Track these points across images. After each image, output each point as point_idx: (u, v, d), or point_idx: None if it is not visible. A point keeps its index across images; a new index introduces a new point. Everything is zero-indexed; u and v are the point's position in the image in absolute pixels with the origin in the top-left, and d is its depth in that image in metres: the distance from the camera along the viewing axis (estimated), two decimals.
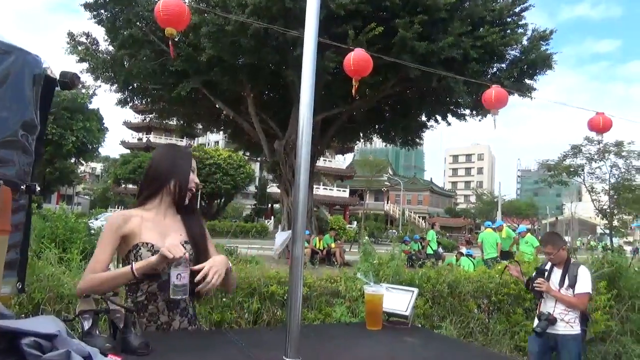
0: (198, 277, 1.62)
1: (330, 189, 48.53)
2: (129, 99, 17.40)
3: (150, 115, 25.33)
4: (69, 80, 1.50)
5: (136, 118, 54.39)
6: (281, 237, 16.27)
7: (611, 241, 30.11)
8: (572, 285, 3.70)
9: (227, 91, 15.34)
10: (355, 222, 42.21)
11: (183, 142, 51.15)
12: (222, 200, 39.74)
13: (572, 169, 28.06)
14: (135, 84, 16.25)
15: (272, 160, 17.08)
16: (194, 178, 1.85)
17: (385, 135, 19.76)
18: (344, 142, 22.39)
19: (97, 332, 1.47)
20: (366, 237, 5.12)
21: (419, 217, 60.26)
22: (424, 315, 4.51)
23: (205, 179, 35.27)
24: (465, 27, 12.41)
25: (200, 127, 22.50)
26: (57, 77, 1.46)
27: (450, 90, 13.58)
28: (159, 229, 1.77)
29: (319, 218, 19.39)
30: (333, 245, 15.24)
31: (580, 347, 3.76)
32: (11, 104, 1.30)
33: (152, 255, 1.67)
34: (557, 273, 3.84)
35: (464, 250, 13.24)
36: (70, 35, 14.93)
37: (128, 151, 52.72)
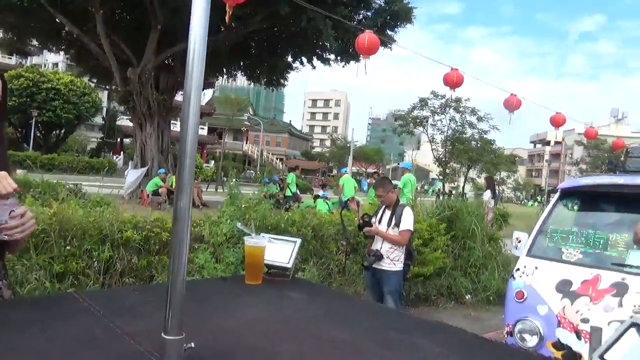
0: None
1: None
2: None
3: None
4: None
5: None
6: (133, 175, 15.13)
7: (443, 186, 34.26)
8: (397, 224, 4.15)
9: (70, 4, 13.14)
10: (213, 162, 41.20)
11: (12, 61, 43.72)
12: (62, 131, 35.37)
13: (418, 120, 30.74)
14: None
15: (125, 90, 15.41)
16: None
17: (250, 73, 19.16)
18: (205, 76, 20.93)
19: None
20: (234, 180, 4.89)
21: (277, 158, 61.29)
22: None
23: (40, 105, 30.82)
24: None
25: (36, 43, 19.18)
26: None
27: (318, 33, 13.51)
28: None
29: (175, 156, 18.36)
30: None
31: (400, 281, 4.27)
32: None
33: None
34: (387, 214, 4.27)
35: (320, 192, 13.77)
36: None
37: None
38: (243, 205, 4.38)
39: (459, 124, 30.82)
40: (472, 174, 39.31)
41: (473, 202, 8.42)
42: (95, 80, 23.13)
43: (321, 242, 5.18)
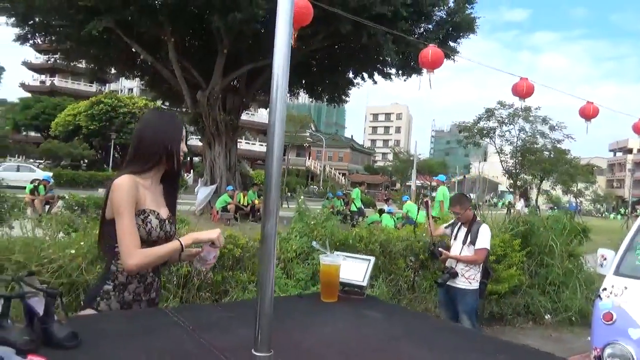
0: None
1: (252, 144, 47.76)
2: (29, 36, 15.38)
3: (55, 56, 22.67)
4: None
5: (38, 58, 49.14)
6: (203, 192, 15.76)
7: (514, 199, 32.78)
8: (473, 242, 4.00)
9: (144, 34, 14.07)
10: None
11: (92, 88, 47.34)
12: None
13: (485, 131, 29.78)
14: (37, 19, 14.37)
15: (194, 112, 16.20)
16: (183, 147, 1.85)
17: (312, 91, 19.50)
18: (269, 95, 21.65)
19: (8, 322, 1.18)
20: (302, 197, 4.97)
21: (340, 173, 61.48)
22: None
23: (118, 128, 33.07)
24: None
25: (114, 72, 20.69)
26: None
27: (379, 48, 13.54)
28: (154, 197, 1.79)
29: (242, 173, 18.95)
30: (257, 201, 15.00)
31: (476, 301, 4.11)
32: None
33: (158, 222, 1.73)
34: (463, 231, 4.15)
35: (385, 207, 13.65)
36: None
37: (29, 95, 47.78)
38: (312, 222, 4.44)
39: (529, 134, 29.52)
40: (546, 185, 37.34)
41: (550, 216, 7.97)
42: (167, 104, 24.51)
43: (389, 258, 5.12)
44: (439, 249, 4.09)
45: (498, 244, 5.85)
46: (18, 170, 23.33)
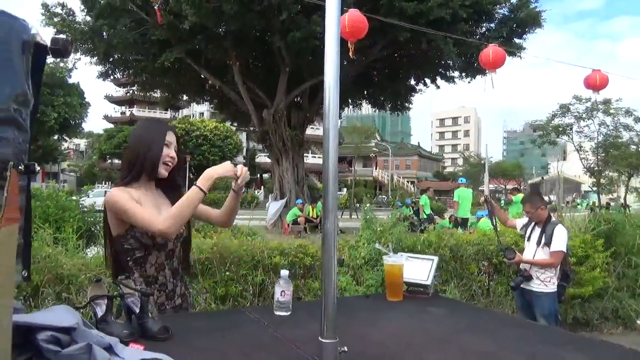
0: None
1: (319, 157, 48.35)
2: (110, 72, 16.87)
3: (132, 88, 24.62)
4: (61, 47, 1.33)
5: (118, 91, 53.20)
6: (274, 207, 16.21)
7: (599, 198, 30.59)
8: (547, 244, 3.83)
9: (211, 60, 14.92)
10: (345, 189, 42.28)
11: (167, 115, 50.38)
12: None
13: (560, 129, 28.12)
14: (116, 56, 15.72)
15: (262, 130, 16.82)
16: (169, 152, 1.81)
17: (374, 101, 19.56)
18: None
19: (111, 318, 1.38)
20: (367, 205, 5.05)
21: (408, 181, 60.58)
22: None
23: (192, 151, 34.89)
24: None
25: (185, 98, 22.02)
26: (48, 44, 1.29)
27: (439, 52, 13.38)
28: (153, 202, 1.79)
29: (310, 186, 19.30)
30: None
31: (554, 304, 3.91)
32: (0, 75, 1.14)
33: None
34: (536, 232, 3.98)
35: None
36: (45, 6, 14.29)
37: (112, 125, 51.82)
38: (379, 229, 4.50)
39: (611, 128, 27.48)
40: (635, 182, 34.47)
41: (638, 213, 7.43)
42: (235, 124, 25.58)
43: (460, 263, 5.04)
44: (511, 250, 3.96)
45: (579, 244, 5.56)
46: (105, 195, 25.13)
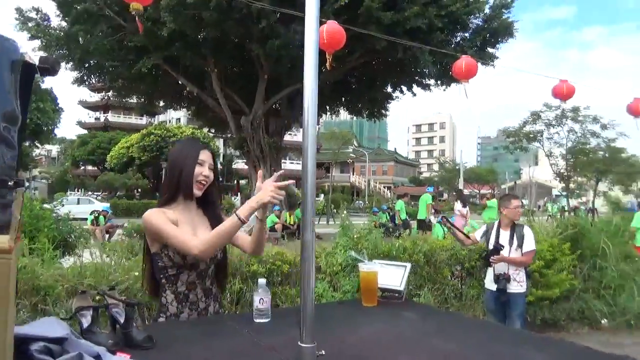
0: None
1: (297, 163, 48.42)
2: (85, 78, 16.61)
3: (107, 94, 24.29)
4: (50, 66, 1.40)
5: (92, 97, 52.30)
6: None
7: (568, 203, 31.48)
8: (520, 245, 4.05)
9: (190, 67, 14.87)
10: (322, 195, 42.43)
11: (143, 121, 49.73)
12: None
13: (531, 135, 28.90)
14: (92, 62, 15.52)
15: (239, 136, 16.80)
16: (202, 171, 1.84)
17: (352, 108, 19.74)
18: None
19: (97, 329, 1.43)
20: (345, 212, 5.15)
21: (384, 187, 61.12)
22: None
23: (168, 157, 34.52)
24: None
25: (162, 104, 21.83)
26: (36, 63, 1.36)
27: (416, 61, 13.63)
28: (189, 222, 1.82)
29: (287, 193, 19.31)
30: None
31: (525, 303, 4.19)
32: None
33: None
34: (504, 234, 4.17)
35: (432, 218, 13.55)
36: (19, 10, 14.02)
37: (85, 131, 50.89)
38: (355, 236, 4.60)
39: (579, 134, 28.38)
40: (603, 187, 35.60)
41: (602, 218, 7.73)
42: (213, 130, 25.42)
43: (434, 268, 5.18)
44: (496, 248, 4.08)
45: (547, 248, 5.77)
46: (78, 203, 24.56)
